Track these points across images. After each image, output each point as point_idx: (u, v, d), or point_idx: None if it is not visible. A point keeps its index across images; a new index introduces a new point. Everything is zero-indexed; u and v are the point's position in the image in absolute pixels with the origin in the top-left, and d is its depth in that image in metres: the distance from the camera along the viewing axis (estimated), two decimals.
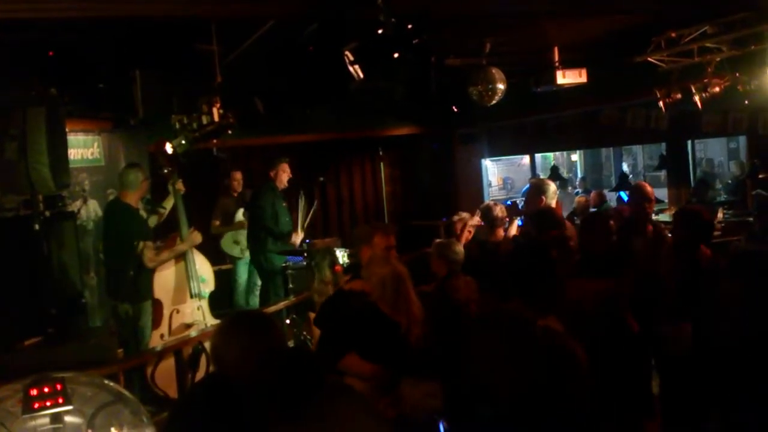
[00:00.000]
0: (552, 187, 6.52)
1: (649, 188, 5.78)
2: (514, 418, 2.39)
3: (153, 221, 6.67)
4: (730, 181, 14.26)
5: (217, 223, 8.60)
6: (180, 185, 6.63)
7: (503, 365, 2.40)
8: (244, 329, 2.86)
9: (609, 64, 7.15)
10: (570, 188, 15.63)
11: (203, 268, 6.73)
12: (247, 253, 8.34)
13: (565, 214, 12.06)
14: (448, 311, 4.52)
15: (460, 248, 5.47)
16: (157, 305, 6.34)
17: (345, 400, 3.04)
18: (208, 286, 6.75)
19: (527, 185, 8.68)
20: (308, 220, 8.22)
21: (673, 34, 5.99)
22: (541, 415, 2.41)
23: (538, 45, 6.89)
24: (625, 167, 18.34)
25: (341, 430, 2.92)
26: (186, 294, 6.52)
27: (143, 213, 6.60)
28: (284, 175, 8.04)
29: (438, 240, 5.86)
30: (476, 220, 6.16)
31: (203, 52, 5.19)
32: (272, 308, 6.61)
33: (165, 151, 6.10)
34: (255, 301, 8.45)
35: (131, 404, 3.83)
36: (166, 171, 6.57)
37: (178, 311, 6.46)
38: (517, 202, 7.57)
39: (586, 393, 2.71)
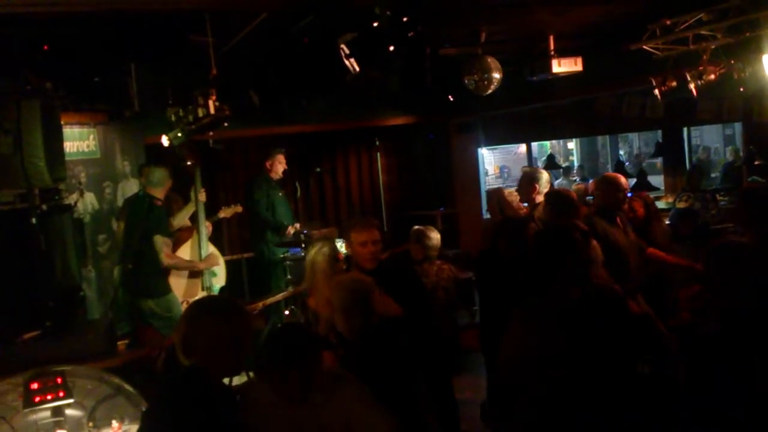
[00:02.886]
0: (545, 175, 6.57)
1: (621, 180, 5.80)
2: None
3: (183, 216, 6.72)
4: (720, 172, 14.31)
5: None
6: (202, 195, 6.65)
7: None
8: (216, 315, 2.78)
9: (604, 53, 7.15)
10: (572, 176, 15.68)
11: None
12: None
13: None
14: None
15: (435, 235, 5.77)
16: None
17: (345, 387, 3.11)
18: (219, 280, 6.78)
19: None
20: None
21: (668, 22, 5.98)
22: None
23: (534, 34, 6.88)
24: (621, 155, 18.37)
25: (342, 415, 2.99)
26: (198, 287, 6.56)
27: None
28: (280, 166, 8.10)
29: (416, 227, 6.10)
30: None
31: (198, 45, 5.18)
32: (271, 299, 6.62)
33: (189, 145, 6.05)
34: None
35: (132, 397, 3.85)
36: (189, 163, 6.51)
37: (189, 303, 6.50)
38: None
39: None
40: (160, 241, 6.14)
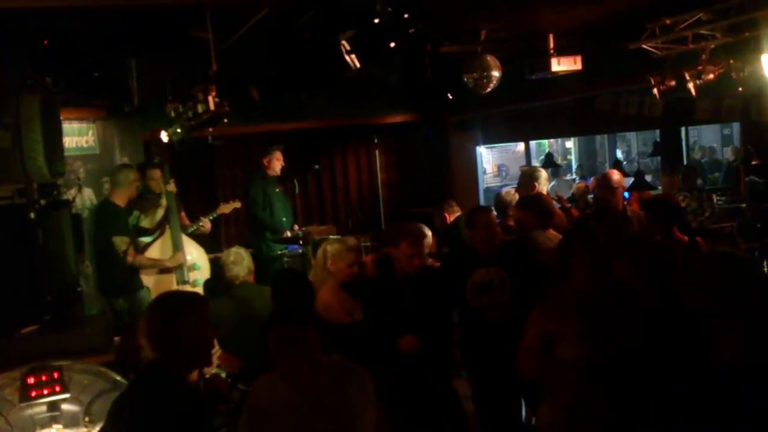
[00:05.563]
0: (543, 173, 6.60)
1: (614, 177, 5.91)
2: None
3: (160, 214, 6.69)
4: (717, 173, 14.33)
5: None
6: (172, 186, 6.63)
7: None
8: (194, 310, 2.78)
9: (603, 51, 7.15)
10: (569, 176, 15.68)
11: (196, 255, 6.72)
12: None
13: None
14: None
15: (427, 232, 5.90)
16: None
17: (351, 374, 3.20)
18: (203, 273, 6.73)
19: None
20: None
21: (668, 21, 5.98)
22: None
23: (533, 32, 6.88)
24: (619, 154, 18.36)
25: (354, 406, 3.09)
26: (172, 282, 6.52)
27: (141, 206, 6.64)
28: (277, 163, 8.11)
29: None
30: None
31: (198, 40, 5.17)
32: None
33: (159, 141, 6.12)
34: None
35: None
36: (156, 160, 6.61)
37: None
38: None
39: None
40: (119, 241, 6.22)
